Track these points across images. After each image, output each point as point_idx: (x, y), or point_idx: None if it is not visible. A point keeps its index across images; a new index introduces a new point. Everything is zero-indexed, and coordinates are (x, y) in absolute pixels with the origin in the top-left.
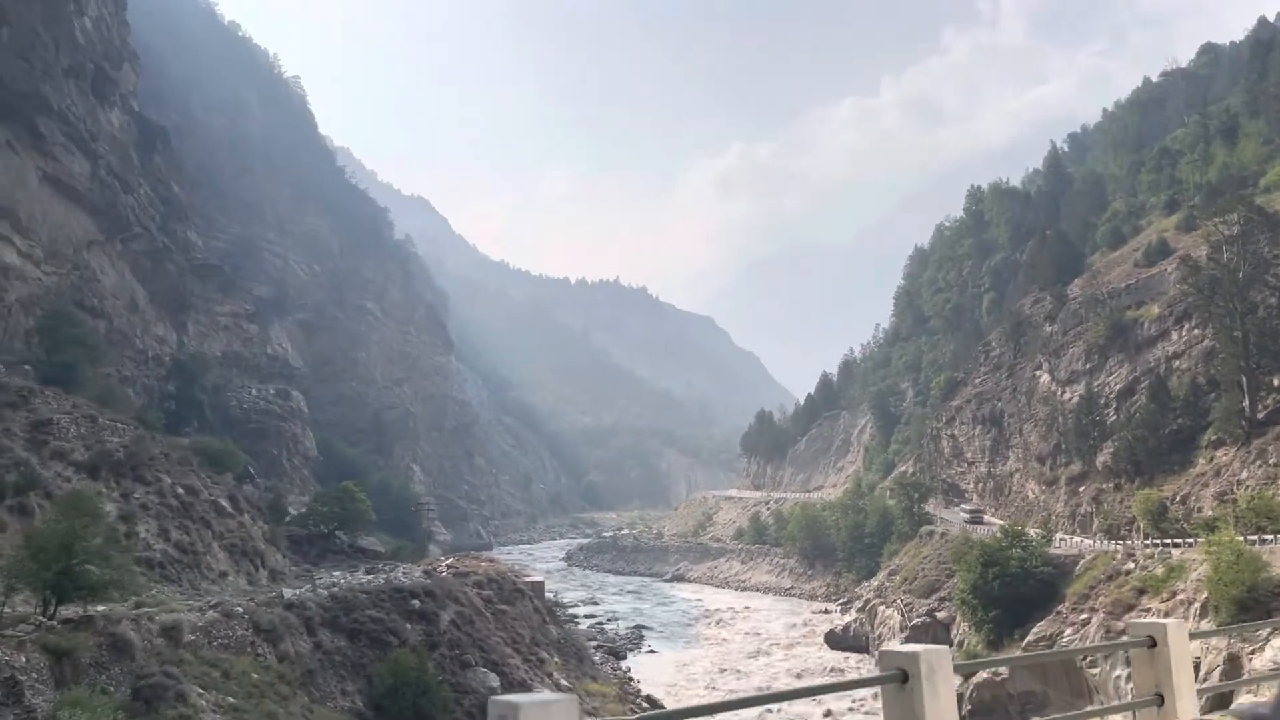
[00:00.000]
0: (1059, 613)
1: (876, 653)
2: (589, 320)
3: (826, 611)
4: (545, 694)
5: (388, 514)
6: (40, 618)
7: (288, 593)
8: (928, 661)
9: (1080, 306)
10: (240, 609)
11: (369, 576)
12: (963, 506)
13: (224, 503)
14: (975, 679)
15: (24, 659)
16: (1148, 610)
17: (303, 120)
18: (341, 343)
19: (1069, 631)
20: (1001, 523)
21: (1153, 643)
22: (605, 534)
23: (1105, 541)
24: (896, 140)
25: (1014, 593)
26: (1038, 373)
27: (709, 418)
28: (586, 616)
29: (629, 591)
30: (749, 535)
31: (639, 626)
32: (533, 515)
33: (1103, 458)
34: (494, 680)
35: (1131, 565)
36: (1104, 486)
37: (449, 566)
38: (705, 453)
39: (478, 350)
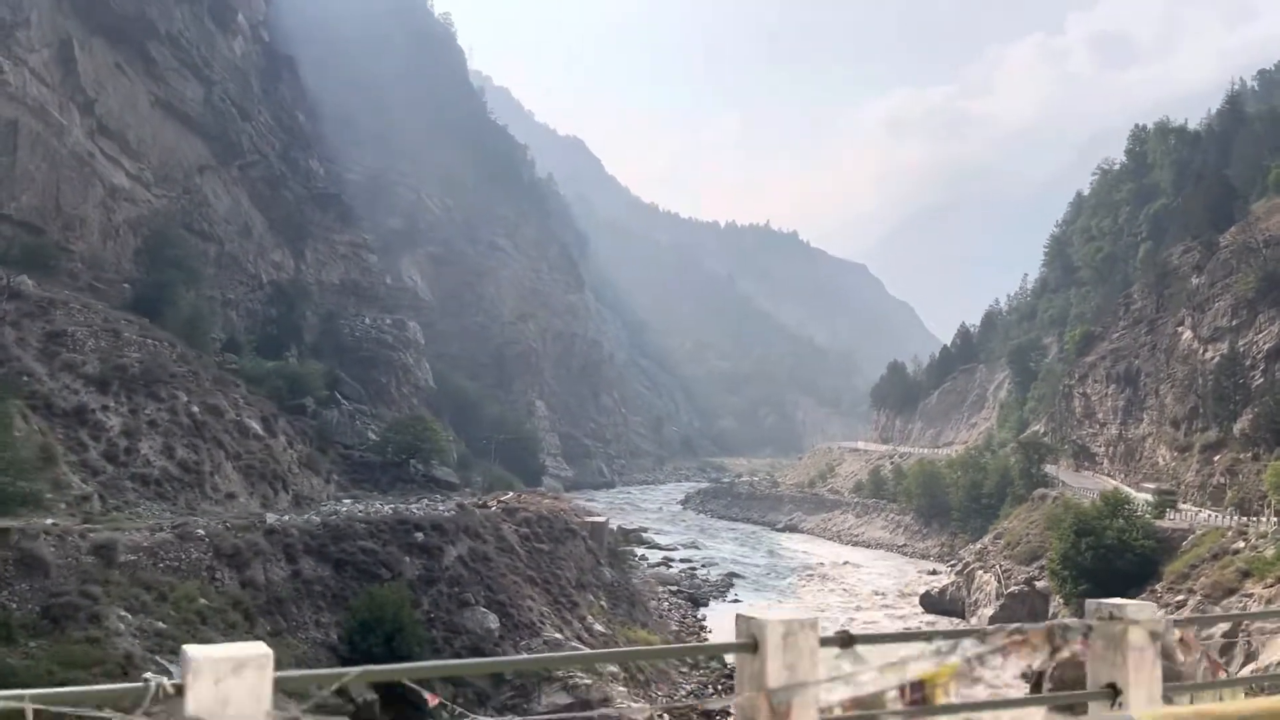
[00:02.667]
0: (1153, 591)
1: (972, 619)
2: (736, 265)
3: (934, 573)
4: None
5: (502, 447)
6: None
7: (270, 517)
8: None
9: (1231, 256)
10: (202, 531)
11: (390, 507)
12: (1145, 484)
13: (254, 424)
14: (1060, 656)
15: None
16: (1250, 596)
17: (449, 58)
18: (469, 277)
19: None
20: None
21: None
22: (724, 480)
23: (1235, 517)
24: (1083, 82)
25: (1108, 566)
26: (1180, 329)
27: (852, 367)
28: (682, 561)
29: (736, 538)
30: (867, 489)
31: (732, 574)
32: (661, 457)
33: (1241, 424)
34: (492, 621)
35: (1241, 544)
36: (1240, 456)
37: (500, 502)
38: (845, 403)
39: (618, 291)
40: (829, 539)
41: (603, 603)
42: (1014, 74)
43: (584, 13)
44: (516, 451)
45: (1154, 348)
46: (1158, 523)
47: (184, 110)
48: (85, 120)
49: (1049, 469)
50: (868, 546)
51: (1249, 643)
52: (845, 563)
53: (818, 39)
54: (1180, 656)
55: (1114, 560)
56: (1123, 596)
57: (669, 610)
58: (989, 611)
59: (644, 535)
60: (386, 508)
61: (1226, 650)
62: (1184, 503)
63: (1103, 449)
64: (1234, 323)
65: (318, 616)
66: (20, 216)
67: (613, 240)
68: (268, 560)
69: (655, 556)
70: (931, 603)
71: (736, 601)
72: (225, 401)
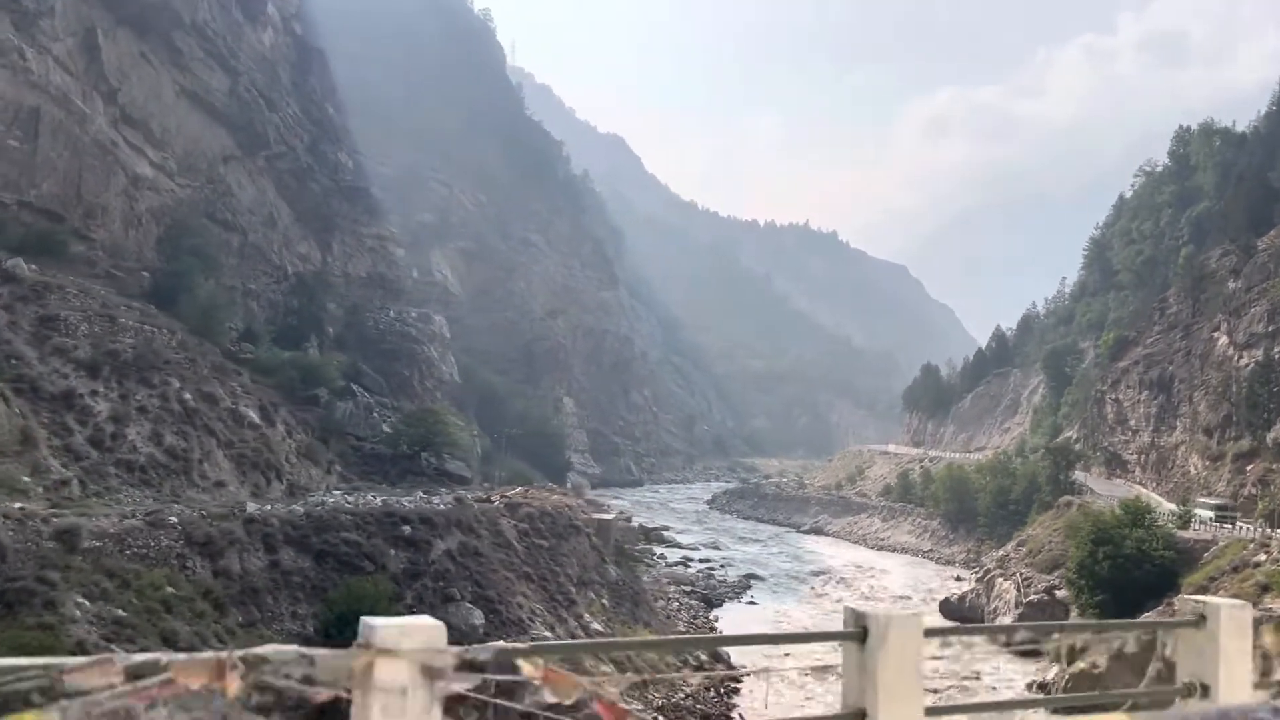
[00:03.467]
0: (1169, 604)
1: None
2: (774, 264)
3: (959, 579)
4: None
5: (526, 442)
6: None
7: (251, 506)
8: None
9: (1269, 260)
10: (174, 519)
11: (381, 499)
12: (1201, 499)
13: (251, 413)
14: (1073, 668)
15: None
16: (1269, 611)
17: (487, 54)
18: (499, 273)
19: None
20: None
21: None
22: (751, 480)
23: (1262, 529)
24: (1132, 83)
25: (1125, 576)
26: (1215, 334)
27: (890, 369)
28: (701, 561)
29: (758, 540)
30: (895, 493)
31: (750, 575)
32: (692, 456)
33: (1275, 434)
34: (477, 617)
35: (1263, 557)
36: (1273, 466)
37: (504, 497)
38: (881, 405)
39: (654, 289)
40: (854, 543)
41: (604, 601)
42: (1063, 75)
43: (628, 13)
44: (540, 447)
45: (1188, 353)
46: (1181, 533)
47: (209, 100)
48: (109, 109)
49: (1079, 476)
50: (893, 551)
51: None
52: (874, 567)
53: (862, 39)
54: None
55: (1132, 570)
56: (1140, 608)
57: (678, 610)
58: (1007, 620)
59: (665, 534)
60: (378, 500)
61: None
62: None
63: (1134, 457)
64: (1270, 329)
65: (295, 608)
66: (41, 204)
67: (650, 237)
68: (244, 550)
69: (674, 556)
70: (951, 609)
71: (752, 604)
72: (222, 390)
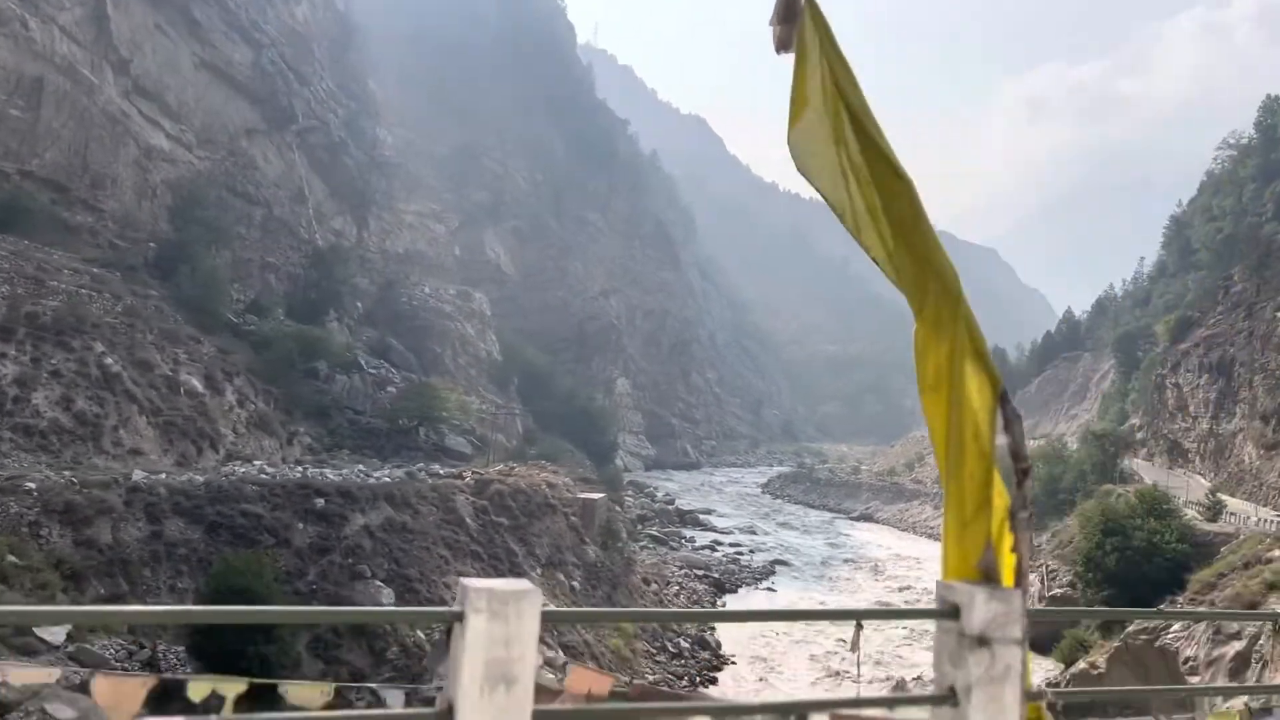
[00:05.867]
0: (1173, 601)
1: None
2: (853, 246)
3: None
4: None
5: (573, 421)
6: None
7: (138, 474)
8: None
9: None
10: (32, 485)
11: (340, 472)
12: None
13: (193, 380)
14: (1074, 668)
15: None
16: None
17: (551, 32)
18: (553, 251)
19: (1176, 627)
20: None
21: None
22: (814, 465)
23: None
24: (1249, 59)
25: (1135, 571)
26: (1278, 314)
27: None
28: (731, 545)
29: (802, 525)
30: None
31: (778, 561)
32: (756, 440)
33: None
34: (386, 596)
35: (1277, 552)
36: None
37: (475, 473)
38: None
39: (726, 271)
40: (904, 530)
41: (574, 583)
42: (1171, 51)
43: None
44: (585, 427)
45: (1251, 334)
46: (1202, 526)
47: (230, 73)
48: (120, 80)
49: (1133, 464)
50: (941, 540)
51: None
52: (916, 557)
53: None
54: None
55: (1141, 564)
56: (1146, 604)
57: (677, 595)
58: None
59: (701, 517)
60: (337, 474)
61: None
62: (1266, 506)
63: (1194, 445)
64: None
65: (175, 582)
66: (44, 173)
67: (725, 219)
68: (120, 520)
69: (705, 539)
70: None
71: (771, 590)
72: (160, 357)
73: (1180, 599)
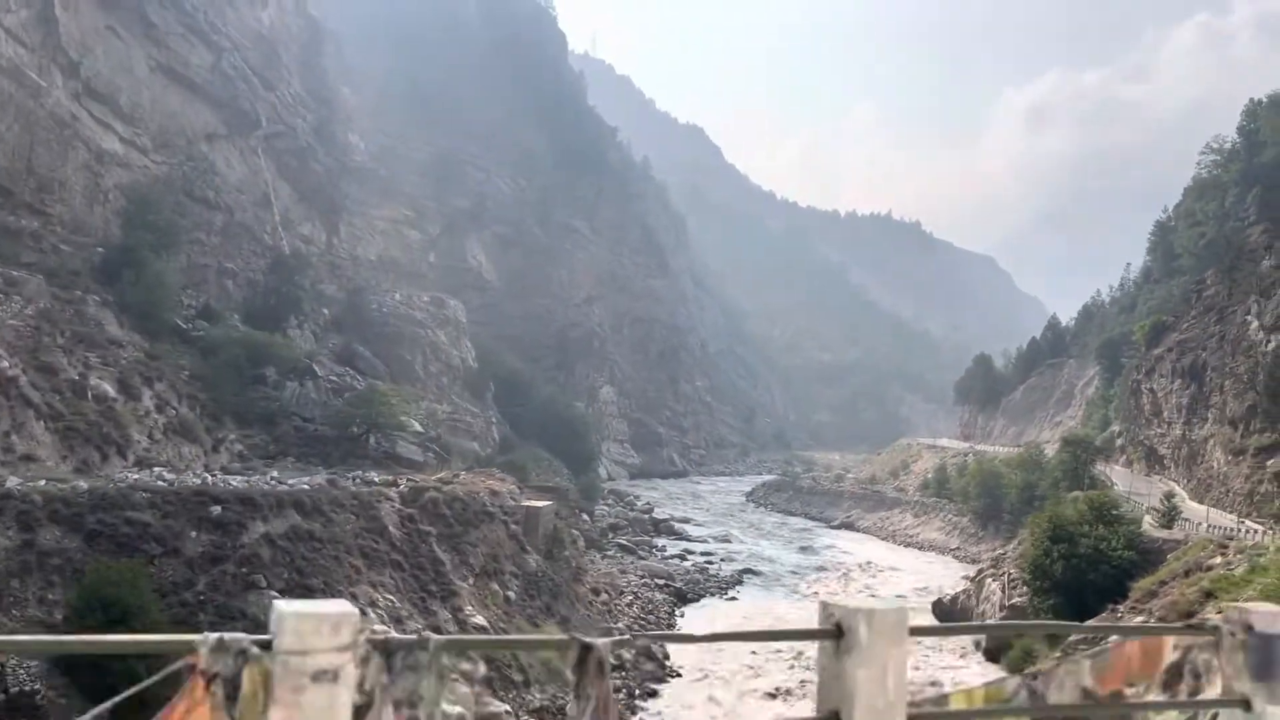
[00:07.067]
0: (1113, 611)
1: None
2: (851, 255)
3: (968, 579)
4: None
5: (553, 430)
6: None
7: (12, 481)
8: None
9: None
10: None
11: (249, 479)
12: None
13: (104, 385)
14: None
15: None
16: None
17: (540, 42)
18: (537, 258)
19: (1114, 637)
20: None
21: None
22: (803, 473)
23: (1276, 529)
24: (1250, 66)
25: (1080, 579)
26: (1248, 317)
27: (967, 362)
28: (703, 555)
29: (780, 534)
30: (932, 488)
31: (747, 571)
32: (747, 448)
33: None
34: None
35: (1218, 559)
36: None
37: (410, 480)
38: (953, 399)
39: (721, 279)
40: (883, 539)
41: (509, 593)
42: (1174, 57)
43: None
44: (565, 435)
45: (1222, 338)
46: (1155, 533)
47: (188, 76)
48: (69, 83)
49: (1113, 469)
50: (920, 548)
51: None
52: (892, 566)
53: (962, 23)
54: None
55: (1087, 572)
56: (1093, 612)
57: (629, 605)
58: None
59: (676, 526)
60: (207, 478)
61: None
62: (1233, 513)
63: (1169, 451)
64: None
65: (46, 593)
66: None
67: (721, 227)
68: None
69: (677, 548)
70: (943, 610)
71: (733, 599)
72: (68, 361)
73: (1121, 607)
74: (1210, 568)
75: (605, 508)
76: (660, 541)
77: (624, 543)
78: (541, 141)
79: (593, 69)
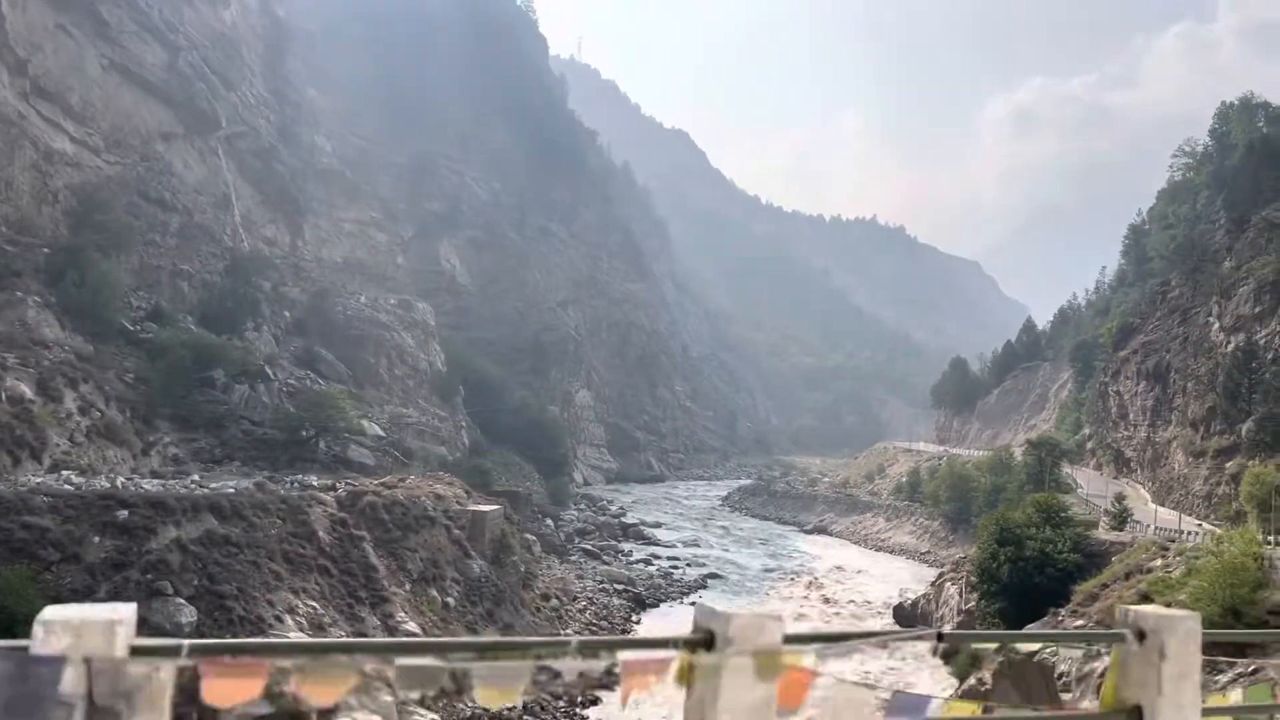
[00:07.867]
0: (1055, 614)
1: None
2: (835, 260)
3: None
4: None
5: (525, 434)
6: None
7: None
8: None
9: (1259, 235)
10: None
11: (164, 483)
12: None
13: (22, 386)
14: (966, 684)
15: None
16: None
17: (519, 46)
18: (511, 262)
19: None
20: None
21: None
22: (781, 477)
23: (1228, 531)
24: (1234, 73)
25: (1025, 582)
26: (1209, 319)
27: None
28: (669, 559)
29: (750, 539)
30: (905, 492)
31: (711, 575)
32: (727, 453)
33: (1249, 427)
34: (187, 614)
35: (1158, 562)
36: (1249, 463)
37: (348, 484)
38: (931, 403)
39: (705, 283)
40: (855, 543)
41: (449, 599)
42: (1159, 64)
43: (712, 12)
44: (538, 440)
45: (1185, 340)
46: (1102, 535)
47: (143, 75)
48: (16, 81)
49: (1084, 472)
50: (891, 553)
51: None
52: (861, 570)
53: (946, 29)
54: None
55: (1032, 575)
56: (1037, 615)
57: (582, 611)
58: (948, 629)
59: (646, 531)
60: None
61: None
62: (1187, 514)
63: (1134, 453)
64: (1256, 310)
65: None
66: None
67: (707, 232)
68: None
69: (644, 552)
70: (904, 616)
71: (695, 605)
72: None
73: (1062, 611)
74: (1150, 570)
75: (575, 512)
76: (627, 546)
77: (589, 548)
78: (518, 145)
79: (577, 73)
